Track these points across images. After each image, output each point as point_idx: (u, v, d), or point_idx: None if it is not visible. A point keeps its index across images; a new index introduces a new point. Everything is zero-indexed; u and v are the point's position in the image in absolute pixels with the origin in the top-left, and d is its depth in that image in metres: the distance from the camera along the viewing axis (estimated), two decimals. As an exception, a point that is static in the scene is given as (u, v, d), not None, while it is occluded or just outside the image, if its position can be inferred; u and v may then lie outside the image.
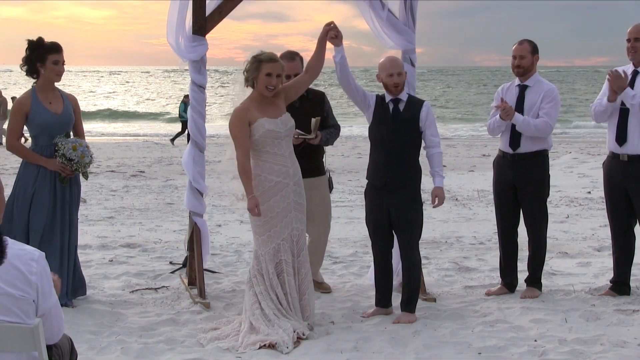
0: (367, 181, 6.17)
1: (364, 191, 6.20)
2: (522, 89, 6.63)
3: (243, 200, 5.91)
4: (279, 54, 6.86)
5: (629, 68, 6.49)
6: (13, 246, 3.35)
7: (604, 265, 7.61)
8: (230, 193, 6.36)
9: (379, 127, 6.03)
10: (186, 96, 30.06)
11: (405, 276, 6.03)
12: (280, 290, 5.72)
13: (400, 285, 6.21)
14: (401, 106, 6.00)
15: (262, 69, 5.70)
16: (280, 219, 5.74)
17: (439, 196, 6.03)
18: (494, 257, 7.00)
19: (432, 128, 6.04)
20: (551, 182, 6.86)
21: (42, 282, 3.40)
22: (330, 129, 6.71)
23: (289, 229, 5.77)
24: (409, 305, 6.01)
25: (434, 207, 6.11)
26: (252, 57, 5.77)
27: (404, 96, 6.03)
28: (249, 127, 5.72)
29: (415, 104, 6.04)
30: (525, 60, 6.58)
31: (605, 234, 9.09)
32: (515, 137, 6.56)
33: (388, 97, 6.03)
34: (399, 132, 5.94)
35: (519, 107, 6.55)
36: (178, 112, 29.43)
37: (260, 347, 5.35)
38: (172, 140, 27.15)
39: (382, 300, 6.17)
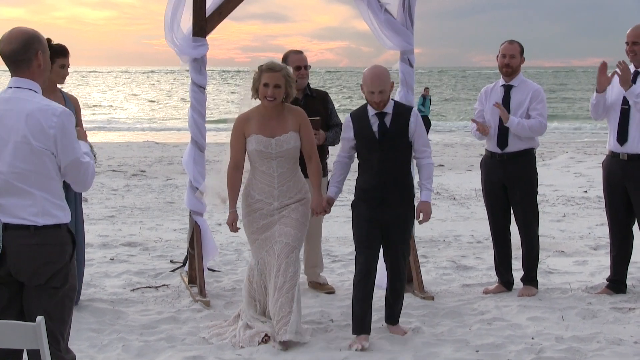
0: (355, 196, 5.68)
1: (352, 205, 5.68)
2: (507, 88, 6.69)
3: (224, 204, 5.91)
4: (281, 55, 6.90)
5: (631, 69, 6.52)
6: (40, 101, 3.70)
7: (601, 264, 7.66)
8: (214, 191, 6.39)
9: (365, 146, 5.58)
10: (426, 89, 29.73)
11: (396, 292, 5.68)
12: (261, 297, 5.70)
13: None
14: (387, 120, 5.53)
15: (262, 78, 5.54)
16: (260, 233, 5.63)
17: (424, 211, 5.61)
18: (491, 256, 7.05)
19: (422, 137, 5.61)
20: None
21: (62, 136, 3.69)
22: (335, 129, 6.72)
23: (270, 242, 5.58)
24: (396, 318, 5.76)
25: (420, 223, 5.70)
26: (258, 66, 5.59)
27: (389, 108, 5.56)
28: (244, 139, 5.63)
29: (402, 115, 5.57)
30: (515, 59, 6.65)
31: (601, 233, 9.16)
32: (502, 137, 6.61)
33: (372, 111, 5.56)
34: (388, 150, 5.51)
35: (505, 107, 6.60)
36: (417, 107, 29.32)
37: (259, 343, 5.40)
38: None
39: (365, 326, 5.50)
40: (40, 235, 3.67)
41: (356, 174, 5.68)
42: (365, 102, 5.66)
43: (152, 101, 60.58)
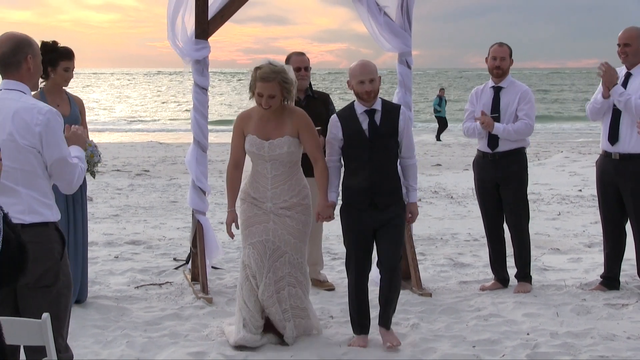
0: (342, 200, 5.54)
1: (340, 210, 5.52)
2: (497, 90, 6.79)
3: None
4: (284, 57, 6.87)
5: (622, 70, 6.64)
6: (27, 101, 3.74)
7: (595, 261, 7.72)
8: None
9: (354, 146, 5.38)
10: (441, 90, 29.84)
11: (389, 292, 5.43)
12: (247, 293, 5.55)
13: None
14: (377, 118, 5.34)
15: (256, 86, 5.35)
16: (252, 224, 5.47)
17: (413, 212, 5.56)
18: (487, 253, 7.16)
19: (409, 136, 5.45)
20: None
21: (47, 133, 3.71)
22: None
23: (261, 237, 5.42)
24: (389, 321, 5.52)
25: (408, 223, 5.68)
26: (254, 67, 5.40)
27: (378, 105, 5.37)
28: (244, 137, 5.51)
29: (392, 112, 5.40)
30: (505, 61, 6.76)
31: (595, 231, 9.20)
32: (493, 138, 6.72)
33: (360, 108, 5.37)
34: (378, 149, 5.32)
35: (495, 108, 6.72)
36: (433, 108, 29.72)
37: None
38: (437, 136, 28.28)
39: (364, 328, 5.51)
40: (27, 233, 3.56)
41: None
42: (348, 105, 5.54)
43: (155, 102, 60.78)
